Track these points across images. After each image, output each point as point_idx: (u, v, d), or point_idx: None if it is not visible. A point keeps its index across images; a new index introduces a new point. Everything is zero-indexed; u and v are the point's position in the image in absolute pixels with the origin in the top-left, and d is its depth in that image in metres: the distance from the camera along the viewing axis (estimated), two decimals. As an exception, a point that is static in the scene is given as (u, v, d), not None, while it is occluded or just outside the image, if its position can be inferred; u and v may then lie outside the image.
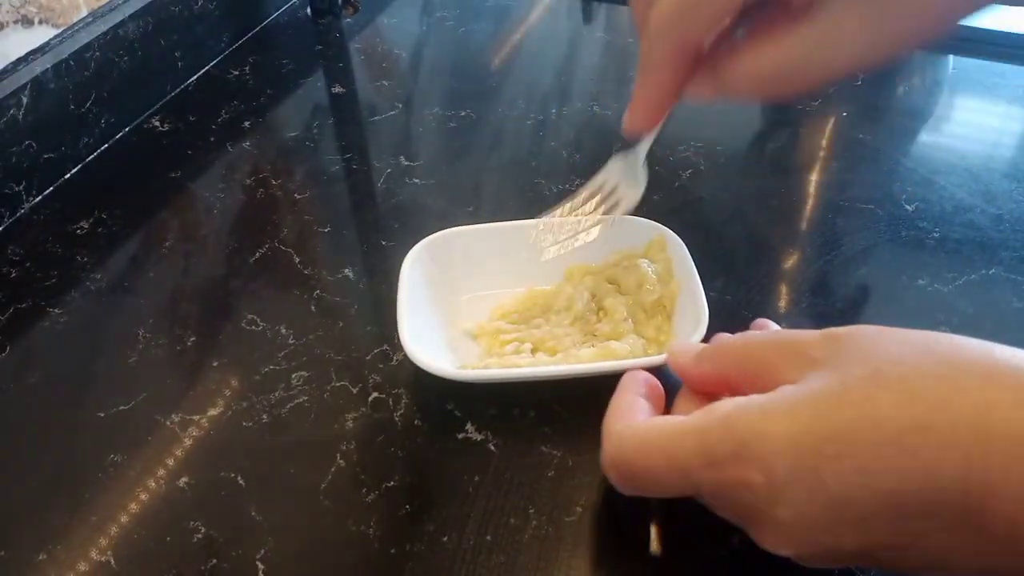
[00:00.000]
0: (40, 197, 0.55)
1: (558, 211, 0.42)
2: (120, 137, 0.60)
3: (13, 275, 0.49)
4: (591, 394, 0.40)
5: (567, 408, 0.40)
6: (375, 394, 0.41)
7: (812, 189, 0.53)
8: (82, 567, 0.35)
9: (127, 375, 0.43)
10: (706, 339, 0.38)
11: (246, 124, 0.61)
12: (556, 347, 0.41)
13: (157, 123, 0.62)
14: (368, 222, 0.52)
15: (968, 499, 0.24)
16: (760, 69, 0.30)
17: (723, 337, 0.34)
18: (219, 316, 0.46)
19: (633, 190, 0.40)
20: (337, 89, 0.65)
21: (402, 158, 0.57)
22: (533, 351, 0.41)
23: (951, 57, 0.65)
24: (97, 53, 0.57)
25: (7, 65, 0.53)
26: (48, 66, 0.54)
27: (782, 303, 0.44)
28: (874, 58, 0.29)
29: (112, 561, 0.35)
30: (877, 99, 0.61)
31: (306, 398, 0.41)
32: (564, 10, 0.75)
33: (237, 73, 0.67)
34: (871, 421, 0.26)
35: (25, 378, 0.43)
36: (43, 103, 0.54)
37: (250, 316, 0.46)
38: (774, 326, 0.37)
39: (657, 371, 0.41)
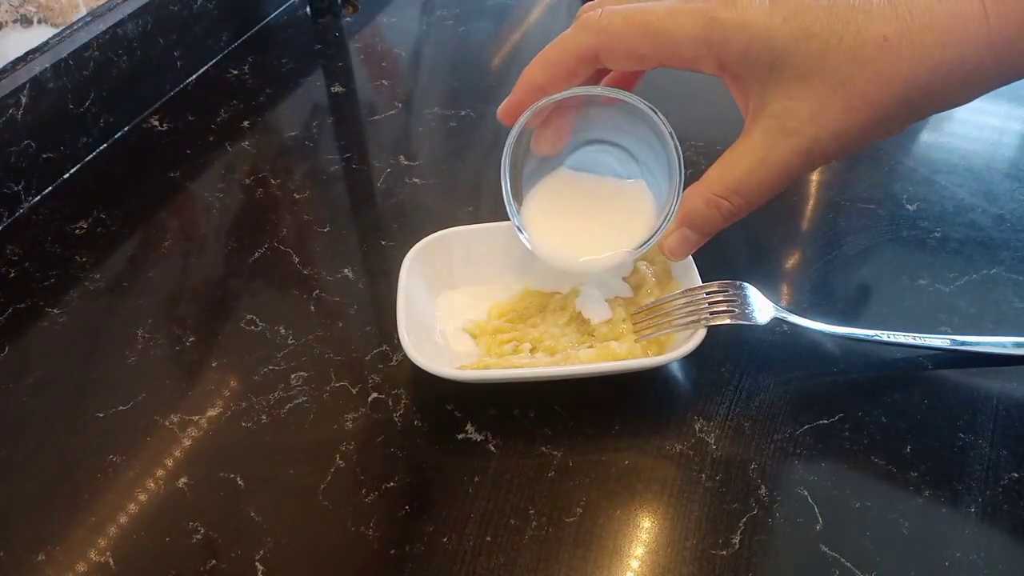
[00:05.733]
0: (39, 197, 0.55)
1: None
2: (119, 137, 0.60)
3: (12, 275, 0.49)
4: (591, 394, 0.40)
5: (567, 408, 0.40)
6: (375, 394, 0.41)
7: (813, 189, 0.53)
8: (81, 568, 0.35)
9: (126, 375, 0.43)
10: (704, 342, 0.38)
11: (245, 124, 0.61)
12: (554, 347, 0.41)
13: (156, 123, 0.62)
14: (368, 222, 0.52)
15: None
16: (725, 180, 0.35)
17: None
18: (218, 316, 0.46)
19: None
20: (336, 88, 0.65)
21: (402, 158, 0.57)
22: (532, 351, 0.41)
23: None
24: (96, 53, 0.57)
25: (6, 65, 0.53)
26: (47, 66, 0.53)
27: (783, 303, 0.44)
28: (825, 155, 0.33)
29: (111, 562, 0.35)
30: (878, 98, 0.60)
31: (306, 398, 0.41)
32: (564, 9, 0.75)
33: (236, 73, 0.67)
34: None
35: (24, 378, 0.43)
36: (42, 103, 0.53)
37: (249, 316, 0.45)
38: None
39: (655, 372, 0.41)
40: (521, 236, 0.40)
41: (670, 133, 0.37)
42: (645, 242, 0.38)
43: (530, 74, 0.37)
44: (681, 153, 0.37)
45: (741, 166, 0.34)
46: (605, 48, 0.35)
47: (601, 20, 0.35)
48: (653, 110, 0.37)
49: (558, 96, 0.37)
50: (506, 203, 0.40)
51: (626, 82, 0.40)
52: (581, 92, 0.37)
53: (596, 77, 0.38)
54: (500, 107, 0.38)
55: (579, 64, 0.36)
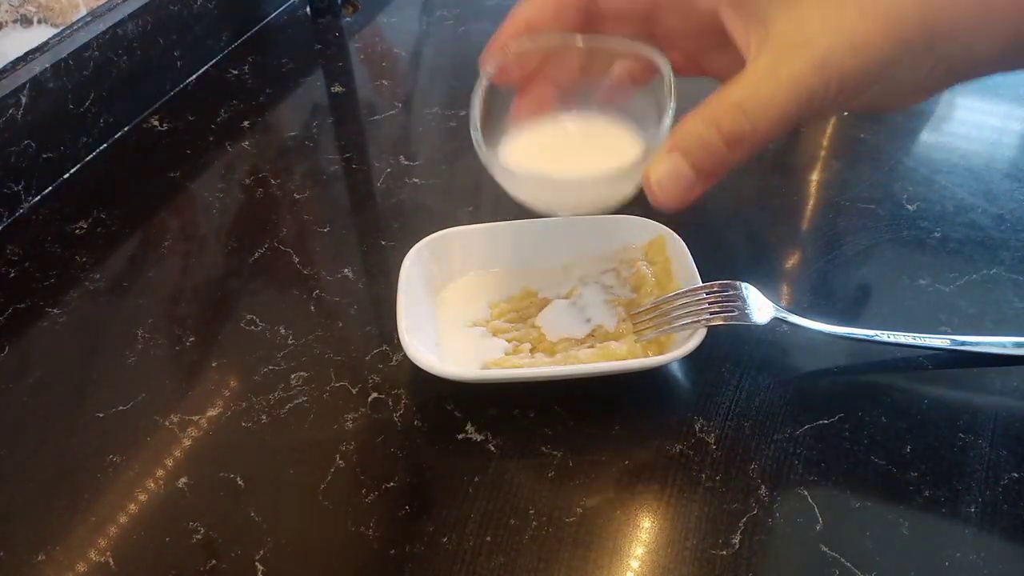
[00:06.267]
0: (39, 197, 0.55)
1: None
2: (119, 137, 0.60)
3: (12, 275, 0.49)
4: (591, 394, 0.40)
5: (567, 408, 0.40)
6: (375, 394, 0.41)
7: (813, 189, 0.53)
8: (81, 568, 0.35)
9: (126, 375, 0.43)
10: (704, 342, 0.38)
11: (245, 124, 0.61)
12: (554, 347, 0.41)
13: (156, 123, 0.62)
14: (368, 222, 0.52)
15: None
16: (726, 96, 0.30)
17: None
18: (218, 316, 0.46)
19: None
20: (336, 88, 0.65)
21: (402, 158, 0.57)
22: (532, 351, 0.41)
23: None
24: (96, 53, 0.57)
25: (6, 65, 0.53)
26: (47, 66, 0.53)
27: (783, 303, 0.44)
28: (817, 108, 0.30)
29: (111, 562, 0.35)
30: (878, 98, 0.60)
31: (305, 398, 0.41)
32: (564, 9, 0.74)
33: (236, 72, 0.67)
34: None
35: (24, 378, 0.43)
36: (42, 103, 0.53)
37: (249, 316, 0.45)
38: None
39: (655, 372, 0.41)
40: (486, 156, 0.35)
41: (665, 63, 0.34)
42: (636, 163, 0.33)
43: (517, 10, 0.35)
44: (674, 77, 0.34)
45: (745, 82, 0.30)
46: None
47: None
48: (644, 45, 0.35)
49: (542, 39, 0.35)
50: (472, 129, 0.35)
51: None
52: (564, 38, 0.35)
53: (587, 24, 0.36)
54: (483, 52, 0.36)
55: None
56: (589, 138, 0.38)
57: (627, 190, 0.35)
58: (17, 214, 0.54)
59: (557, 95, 0.38)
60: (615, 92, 0.38)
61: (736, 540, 0.34)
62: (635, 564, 0.34)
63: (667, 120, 0.33)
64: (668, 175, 0.31)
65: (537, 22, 0.35)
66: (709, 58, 0.36)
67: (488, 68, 0.36)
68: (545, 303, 0.43)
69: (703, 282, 0.40)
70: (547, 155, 0.37)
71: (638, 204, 0.52)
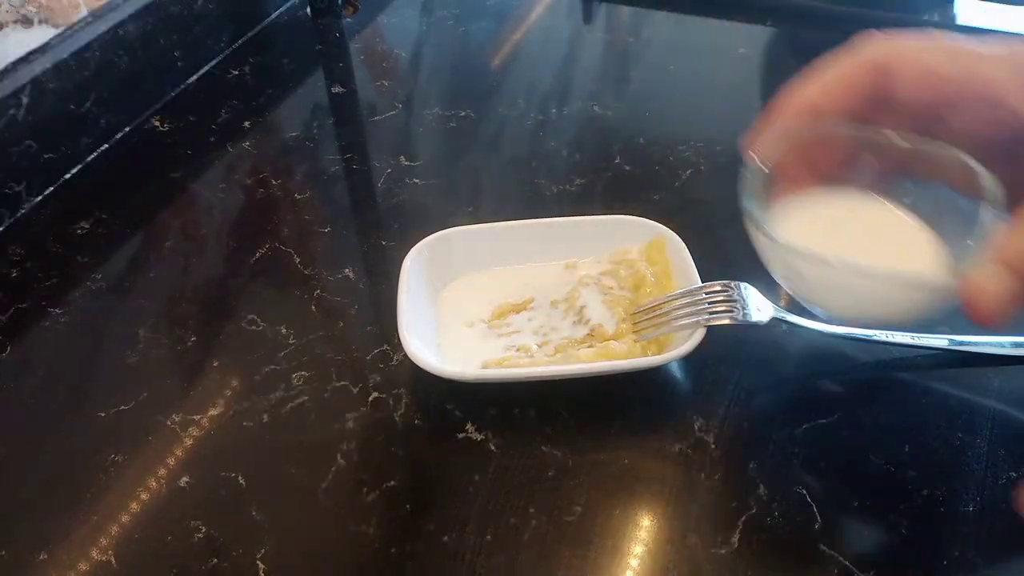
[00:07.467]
0: (40, 197, 0.55)
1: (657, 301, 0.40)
2: (120, 137, 0.60)
3: (13, 275, 0.49)
4: (591, 394, 0.40)
5: (567, 408, 0.40)
6: (375, 394, 0.41)
7: (812, 189, 0.53)
8: (82, 567, 0.35)
9: (127, 375, 0.43)
10: (704, 341, 0.38)
11: (246, 124, 0.61)
12: (554, 347, 0.41)
13: (157, 123, 0.62)
14: (368, 222, 0.52)
15: None
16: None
17: None
18: (219, 316, 0.46)
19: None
20: (337, 89, 0.65)
21: (402, 158, 0.57)
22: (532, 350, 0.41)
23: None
24: (97, 53, 0.57)
25: (7, 65, 0.53)
26: (48, 66, 0.53)
27: (783, 303, 0.44)
28: None
29: (112, 561, 0.35)
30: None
31: (306, 398, 0.41)
32: (564, 10, 0.75)
33: (237, 73, 0.67)
34: None
35: (25, 378, 0.43)
36: (43, 103, 0.54)
37: (250, 316, 0.46)
38: None
39: (655, 372, 0.41)
40: (761, 226, 0.32)
41: (982, 168, 0.30)
42: (950, 270, 0.30)
43: (798, 88, 0.32)
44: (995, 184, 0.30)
45: None
46: (896, 59, 0.30)
47: (891, 36, 0.31)
48: (962, 153, 0.30)
49: (829, 127, 0.32)
50: (746, 201, 0.33)
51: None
52: (874, 132, 0.31)
53: (869, 110, 0.32)
54: (749, 133, 0.33)
55: (863, 76, 0.31)
56: (875, 230, 0.33)
57: (928, 302, 0.30)
58: (19, 214, 0.54)
59: (818, 180, 0.35)
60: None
61: (735, 539, 0.34)
62: (635, 563, 0.34)
63: (989, 228, 0.29)
64: (997, 284, 0.27)
65: (823, 102, 0.32)
66: (995, 166, 0.31)
67: (760, 154, 0.33)
68: (529, 304, 0.43)
69: (703, 282, 0.40)
70: (825, 241, 0.32)
71: (638, 204, 0.52)
